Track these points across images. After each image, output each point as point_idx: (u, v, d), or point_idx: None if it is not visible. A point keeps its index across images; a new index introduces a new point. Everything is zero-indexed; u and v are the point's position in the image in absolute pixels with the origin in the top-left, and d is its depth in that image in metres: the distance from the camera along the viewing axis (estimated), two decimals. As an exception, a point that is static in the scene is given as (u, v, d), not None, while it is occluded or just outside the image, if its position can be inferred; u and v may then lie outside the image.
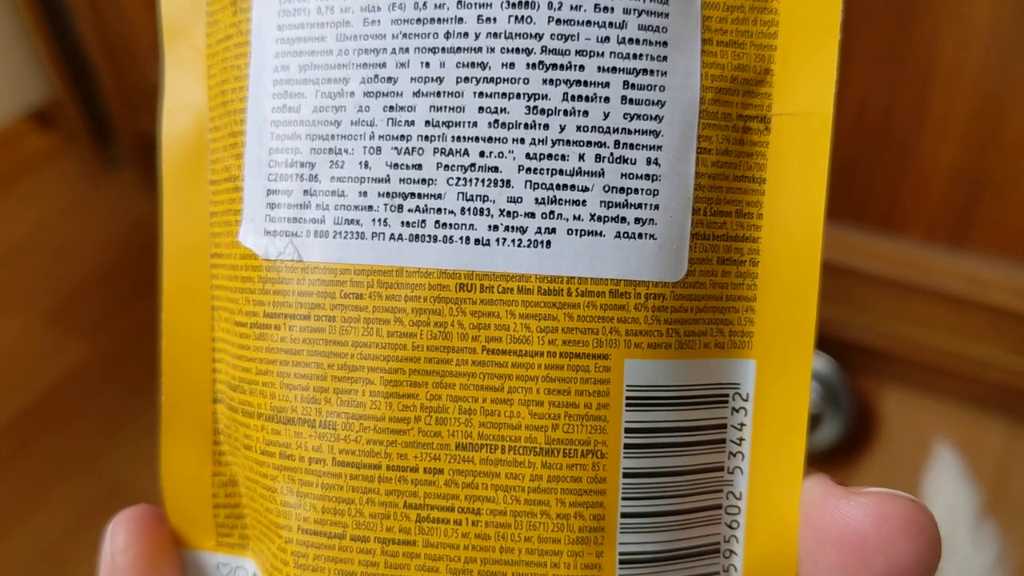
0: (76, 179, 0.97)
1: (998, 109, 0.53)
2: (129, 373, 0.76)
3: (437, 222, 0.14)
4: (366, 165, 0.14)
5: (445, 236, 0.14)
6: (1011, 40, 0.50)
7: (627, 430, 0.14)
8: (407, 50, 0.14)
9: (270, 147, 0.15)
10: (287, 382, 0.14)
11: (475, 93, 0.13)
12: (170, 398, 0.16)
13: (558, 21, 0.13)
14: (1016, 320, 0.59)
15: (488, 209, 0.14)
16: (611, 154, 0.14)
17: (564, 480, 0.14)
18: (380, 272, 0.14)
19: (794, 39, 0.14)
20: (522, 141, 0.13)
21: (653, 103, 0.14)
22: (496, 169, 0.14)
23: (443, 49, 0.14)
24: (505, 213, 0.14)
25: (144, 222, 0.88)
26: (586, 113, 0.13)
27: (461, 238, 0.14)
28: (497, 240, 0.14)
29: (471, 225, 0.14)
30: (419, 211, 0.14)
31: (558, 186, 0.13)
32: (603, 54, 0.13)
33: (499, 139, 0.13)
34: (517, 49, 0.13)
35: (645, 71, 0.14)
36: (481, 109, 0.13)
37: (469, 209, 0.14)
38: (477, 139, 0.13)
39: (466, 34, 0.13)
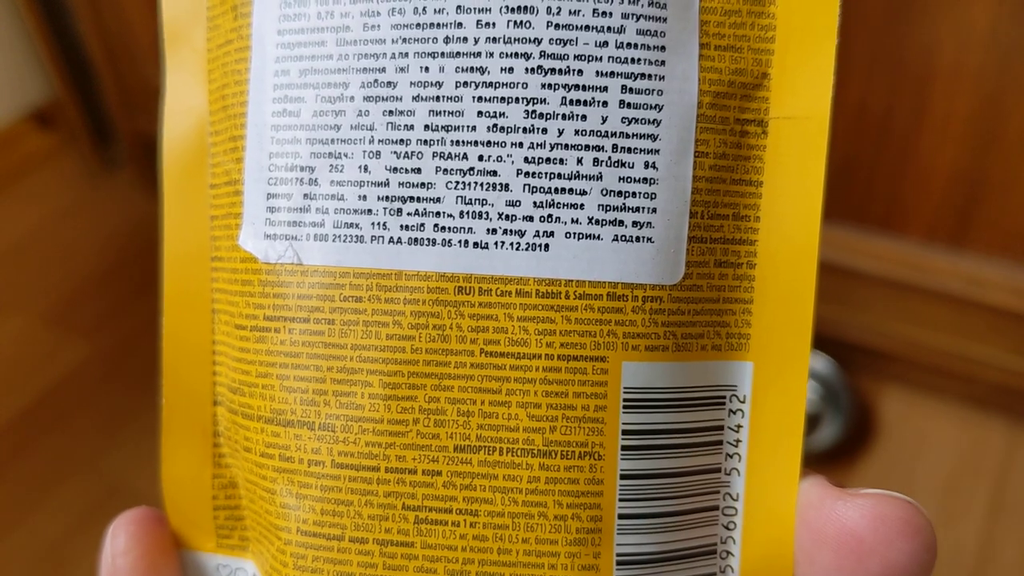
0: (76, 179, 0.97)
1: (998, 109, 0.53)
2: (129, 373, 0.76)
3: (436, 225, 0.14)
4: (365, 169, 0.14)
5: (444, 239, 0.14)
6: (1011, 40, 0.50)
7: (624, 432, 0.14)
8: (406, 55, 0.14)
9: (270, 151, 0.15)
10: (286, 385, 0.14)
11: (474, 97, 0.14)
12: (170, 400, 0.16)
13: (557, 26, 0.13)
14: (1016, 320, 0.60)
15: (487, 212, 0.14)
16: (609, 158, 0.14)
17: (562, 482, 0.14)
18: (379, 275, 0.14)
19: (791, 43, 0.14)
20: (521, 145, 0.14)
21: (651, 107, 0.14)
22: (495, 173, 0.14)
23: (442, 54, 0.14)
24: (503, 216, 0.14)
25: (144, 222, 0.88)
26: (584, 117, 0.14)
27: (460, 241, 0.14)
28: (495, 243, 0.14)
29: (470, 228, 0.14)
30: (418, 215, 0.14)
31: (556, 190, 0.14)
32: (601, 58, 0.14)
33: (498, 143, 0.14)
34: (516, 54, 0.13)
35: (643, 75, 0.14)
36: (480, 113, 0.14)
37: (468, 213, 0.14)
38: (476, 143, 0.14)
39: (465, 39, 0.14)
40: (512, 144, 0.14)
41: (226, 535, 0.16)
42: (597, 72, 0.14)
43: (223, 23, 0.15)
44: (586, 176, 0.14)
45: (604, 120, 0.14)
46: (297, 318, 0.14)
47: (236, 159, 0.15)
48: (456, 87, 0.14)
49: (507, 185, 0.14)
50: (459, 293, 0.14)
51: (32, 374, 0.76)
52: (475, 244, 0.14)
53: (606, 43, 0.14)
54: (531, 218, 0.14)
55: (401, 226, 0.14)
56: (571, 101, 0.13)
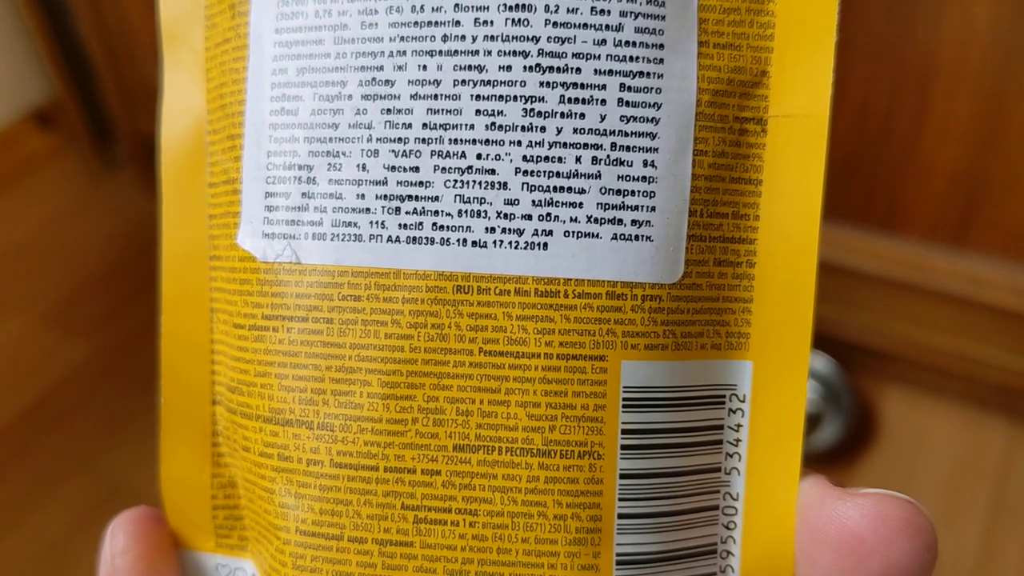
0: (76, 179, 0.97)
1: (999, 109, 0.53)
2: (129, 373, 0.76)
3: (434, 224, 0.14)
4: (364, 168, 0.14)
5: (442, 238, 0.14)
6: (1011, 40, 0.50)
7: (624, 431, 0.14)
8: (404, 53, 0.14)
9: (268, 150, 0.15)
10: (285, 384, 0.14)
11: (472, 96, 0.13)
12: (169, 400, 0.16)
13: (555, 24, 0.13)
14: (1017, 320, 0.59)
15: (485, 211, 0.14)
16: (608, 156, 0.14)
17: (561, 481, 0.14)
18: (377, 274, 0.14)
19: (790, 41, 0.14)
20: (519, 143, 0.13)
21: (649, 105, 0.14)
22: (493, 171, 0.14)
23: (440, 52, 0.14)
24: (502, 215, 0.14)
25: (144, 222, 0.88)
26: (583, 115, 0.13)
27: (458, 240, 0.14)
28: (494, 242, 0.14)
29: (468, 227, 0.14)
30: (416, 213, 0.14)
31: (555, 188, 0.14)
32: (600, 57, 0.13)
33: (496, 141, 0.14)
34: (514, 52, 0.13)
35: (641, 74, 0.14)
36: (478, 111, 0.13)
37: (466, 211, 0.14)
38: (474, 141, 0.14)
39: (463, 37, 0.13)
40: (510, 143, 0.13)
41: (225, 535, 0.16)
42: (595, 70, 0.13)
43: (221, 22, 0.15)
44: (585, 175, 0.14)
45: (603, 118, 0.14)
46: (296, 317, 0.14)
47: (234, 158, 0.15)
48: (454, 86, 0.14)
49: (505, 184, 0.14)
50: (458, 292, 0.14)
51: (32, 374, 0.76)
52: (474, 243, 0.14)
53: (604, 41, 0.13)
54: (530, 217, 0.14)
55: (399, 225, 0.14)
56: (569, 99, 0.13)
